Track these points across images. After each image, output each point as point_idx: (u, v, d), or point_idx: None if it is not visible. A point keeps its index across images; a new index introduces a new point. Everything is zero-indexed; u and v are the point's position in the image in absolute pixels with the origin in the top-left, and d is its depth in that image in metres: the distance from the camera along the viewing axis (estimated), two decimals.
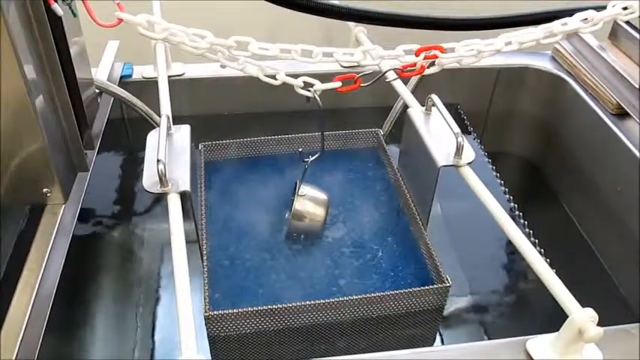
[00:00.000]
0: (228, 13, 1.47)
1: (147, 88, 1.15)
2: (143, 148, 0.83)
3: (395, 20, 1.13)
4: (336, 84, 0.73)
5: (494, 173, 1.09)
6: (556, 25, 0.73)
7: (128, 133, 1.27)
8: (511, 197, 1.07)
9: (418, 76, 1.22)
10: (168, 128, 0.84)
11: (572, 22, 0.73)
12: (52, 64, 0.77)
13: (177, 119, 0.88)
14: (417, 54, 0.73)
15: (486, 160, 1.09)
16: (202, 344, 0.67)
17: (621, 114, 1.09)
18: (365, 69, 1.23)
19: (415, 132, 0.89)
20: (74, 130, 0.85)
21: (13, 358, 0.66)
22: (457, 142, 0.80)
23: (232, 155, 1.04)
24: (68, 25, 0.80)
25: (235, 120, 1.23)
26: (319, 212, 0.89)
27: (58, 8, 0.75)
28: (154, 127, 0.91)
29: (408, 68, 0.73)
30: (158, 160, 0.74)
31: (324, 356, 0.79)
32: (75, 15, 0.84)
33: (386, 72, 0.73)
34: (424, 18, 1.10)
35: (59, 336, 0.82)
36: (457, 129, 0.81)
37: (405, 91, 0.97)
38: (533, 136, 1.35)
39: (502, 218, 0.74)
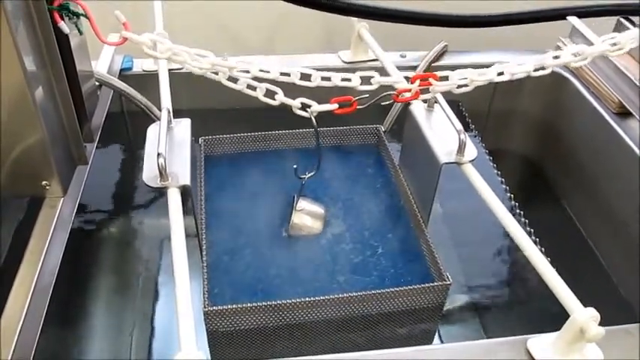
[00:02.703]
0: (229, 6, 1.46)
1: (147, 82, 1.14)
2: (143, 141, 0.83)
3: (398, 17, 1.13)
4: (333, 106, 0.74)
5: (496, 171, 1.08)
6: (547, 58, 0.77)
7: (127, 127, 1.26)
8: (512, 195, 1.07)
9: (421, 72, 1.22)
10: (169, 122, 0.83)
11: (563, 56, 0.77)
12: (52, 56, 0.77)
13: (177, 113, 0.87)
14: (412, 81, 0.76)
15: (488, 158, 1.09)
16: (201, 339, 0.66)
17: (623, 113, 1.09)
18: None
19: (417, 128, 0.88)
20: (74, 123, 0.84)
21: (12, 348, 0.66)
22: (460, 139, 0.80)
23: (232, 150, 1.03)
24: None
25: (236, 114, 1.22)
26: (316, 226, 0.90)
27: (65, 26, 0.76)
28: (154, 121, 0.90)
29: (403, 94, 0.76)
30: (158, 154, 0.73)
31: (323, 353, 0.79)
32: (81, 33, 0.85)
33: (382, 96, 0.76)
34: (428, 15, 1.09)
35: (57, 329, 0.81)
36: (460, 126, 0.81)
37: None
38: (534, 134, 1.35)
39: (504, 216, 0.73)
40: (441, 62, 1.25)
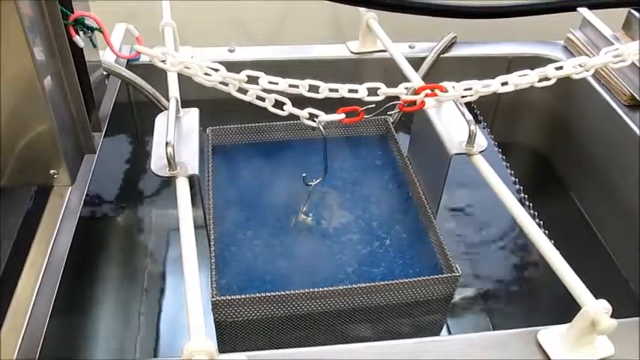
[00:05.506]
0: None
1: (155, 71, 1.13)
2: (150, 131, 0.82)
3: (407, 7, 1.13)
4: (340, 116, 0.76)
5: (505, 163, 1.08)
6: (550, 70, 0.77)
7: (135, 117, 1.26)
8: (521, 188, 1.06)
9: (429, 63, 1.22)
10: (177, 111, 0.83)
11: (566, 67, 0.78)
12: (61, 46, 0.77)
13: (185, 103, 0.87)
14: (418, 92, 0.77)
15: (497, 149, 1.08)
16: (209, 330, 0.66)
17: (634, 105, 1.08)
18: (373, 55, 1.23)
19: (426, 119, 0.88)
20: (82, 112, 0.84)
21: (21, 335, 0.66)
22: (470, 129, 0.80)
23: (240, 140, 1.03)
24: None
25: (244, 105, 1.22)
26: None
27: (79, 40, 0.77)
28: (162, 111, 0.90)
29: (409, 103, 0.78)
30: (167, 143, 0.73)
31: (331, 344, 0.79)
32: (95, 46, 0.86)
33: (387, 105, 0.77)
34: (437, 5, 1.09)
35: (64, 318, 0.81)
36: (470, 116, 0.81)
37: (416, 79, 0.96)
38: (544, 127, 1.34)
39: (514, 208, 0.73)
40: (450, 53, 1.24)
